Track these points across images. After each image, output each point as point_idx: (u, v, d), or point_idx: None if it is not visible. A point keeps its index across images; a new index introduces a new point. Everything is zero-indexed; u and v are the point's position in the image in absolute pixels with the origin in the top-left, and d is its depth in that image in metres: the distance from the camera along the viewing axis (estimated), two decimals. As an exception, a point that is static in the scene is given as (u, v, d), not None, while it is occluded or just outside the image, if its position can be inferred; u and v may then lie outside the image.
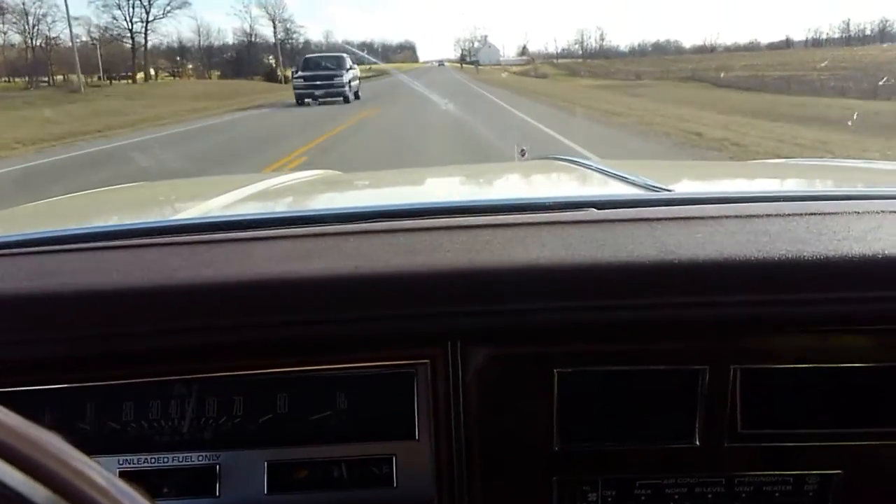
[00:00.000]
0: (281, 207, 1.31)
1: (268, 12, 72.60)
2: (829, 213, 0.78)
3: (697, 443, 0.69)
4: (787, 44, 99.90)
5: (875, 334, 0.69)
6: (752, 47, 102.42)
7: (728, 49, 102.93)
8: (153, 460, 0.69)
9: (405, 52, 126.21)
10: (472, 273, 0.67)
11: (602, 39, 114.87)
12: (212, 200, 1.19)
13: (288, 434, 0.70)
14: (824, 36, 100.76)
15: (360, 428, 0.70)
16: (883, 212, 0.79)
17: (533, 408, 0.69)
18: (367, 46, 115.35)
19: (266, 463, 0.69)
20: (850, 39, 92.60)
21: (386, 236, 0.76)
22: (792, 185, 1.42)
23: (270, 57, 71.91)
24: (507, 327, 0.68)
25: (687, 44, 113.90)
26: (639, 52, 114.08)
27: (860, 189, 1.17)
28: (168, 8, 59.33)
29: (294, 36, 75.79)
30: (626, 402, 0.70)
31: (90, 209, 1.43)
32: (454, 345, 0.69)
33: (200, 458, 0.69)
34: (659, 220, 0.77)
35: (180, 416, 0.69)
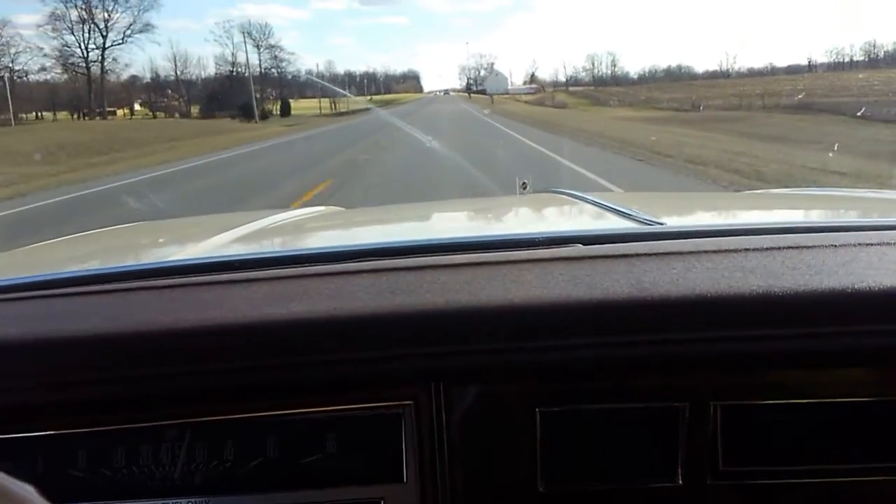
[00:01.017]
0: (274, 247, 1.29)
1: (251, 37, 65.72)
2: (806, 247, 0.78)
3: (680, 481, 0.69)
4: (810, 67, 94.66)
5: (852, 369, 0.69)
6: (769, 71, 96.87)
7: (741, 74, 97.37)
8: None
9: (409, 81, 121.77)
10: (450, 313, 0.68)
11: (614, 65, 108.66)
12: (207, 241, 1.19)
13: (278, 478, 0.69)
14: (846, 59, 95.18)
15: (350, 471, 0.70)
16: (859, 244, 0.78)
17: (516, 448, 0.69)
18: (370, 77, 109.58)
19: None
20: (877, 61, 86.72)
21: (368, 276, 0.76)
22: (782, 217, 1.40)
23: (266, 89, 65.08)
24: (486, 366, 0.68)
25: (699, 69, 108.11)
26: (649, 78, 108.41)
27: (846, 220, 1.19)
28: (128, 31, 52.46)
29: (283, 64, 68.86)
30: (608, 440, 0.70)
31: (85, 252, 1.47)
32: (437, 385, 0.69)
33: (190, 503, 0.69)
34: (638, 256, 0.78)
35: (171, 461, 0.69)
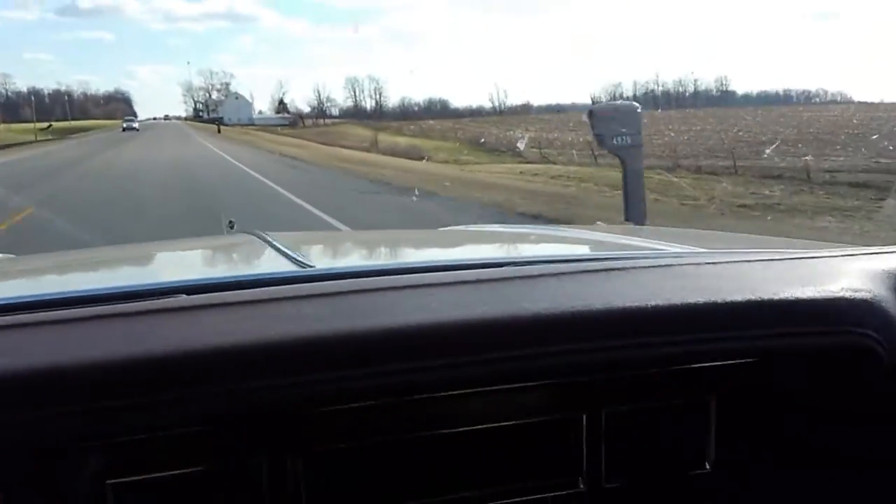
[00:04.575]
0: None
1: None
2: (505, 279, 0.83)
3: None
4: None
5: (537, 391, 0.76)
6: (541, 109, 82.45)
7: (513, 110, 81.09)
8: None
9: (115, 103, 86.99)
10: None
11: (379, 94, 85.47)
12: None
13: None
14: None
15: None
16: (573, 273, 0.86)
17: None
18: (56, 97, 73.27)
19: None
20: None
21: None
22: (477, 253, 1.48)
23: None
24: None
25: (456, 104, 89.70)
26: (407, 112, 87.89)
27: (538, 254, 1.39)
28: None
29: None
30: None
31: None
32: None
33: None
34: (293, 298, 0.77)
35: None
